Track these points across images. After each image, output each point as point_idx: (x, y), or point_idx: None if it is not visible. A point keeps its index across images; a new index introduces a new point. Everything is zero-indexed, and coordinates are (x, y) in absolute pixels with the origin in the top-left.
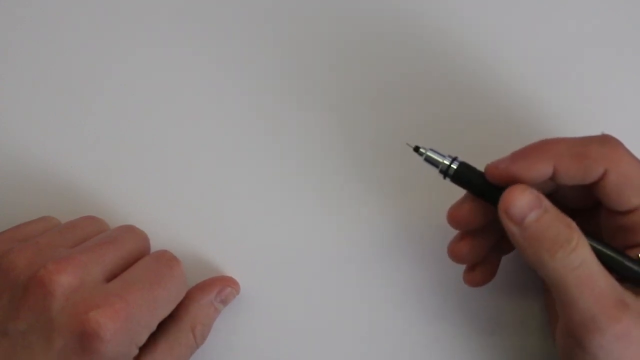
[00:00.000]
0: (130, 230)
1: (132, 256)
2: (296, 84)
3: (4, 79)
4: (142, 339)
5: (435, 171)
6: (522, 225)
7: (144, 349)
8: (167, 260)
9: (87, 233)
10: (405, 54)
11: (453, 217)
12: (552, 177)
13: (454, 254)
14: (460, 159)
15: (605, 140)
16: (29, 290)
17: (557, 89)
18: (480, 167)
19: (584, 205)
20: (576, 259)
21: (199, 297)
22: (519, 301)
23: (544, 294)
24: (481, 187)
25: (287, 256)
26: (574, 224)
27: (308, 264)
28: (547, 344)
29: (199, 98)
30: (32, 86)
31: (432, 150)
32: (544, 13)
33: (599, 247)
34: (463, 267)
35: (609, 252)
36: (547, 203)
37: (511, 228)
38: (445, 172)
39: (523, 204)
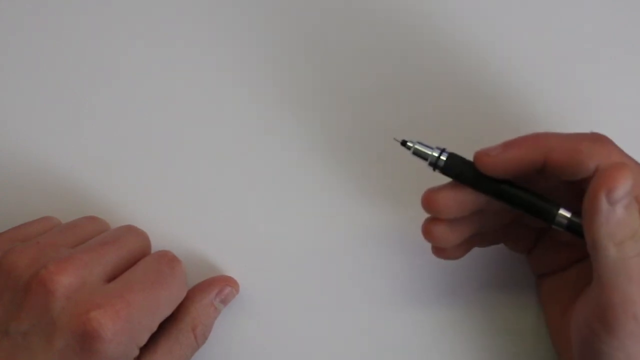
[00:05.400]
0: (131, 230)
1: (133, 256)
2: (296, 83)
3: (4, 79)
4: (143, 339)
5: (427, 166)
6: (614, 207)
7: (144, 349)
8: (168, 260)
9: (88, 233)
10: (400, 52)
11: (429, 202)
12: (541, 171)
13: (428, 234)
14: (449, 150)
15: (596, 138)
16: (30, 291)
17: (553, 88)
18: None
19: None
20: (635, 249)
21: (199, 297)
22: (513, 298)
23: (538, 293)
24: (472, 177)
25: (286, 256)
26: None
27: (308, 263)
28: (538, 343)
29: (200, 98)
30: (32, 86)
31: (419, 143)
32: (545, 12)
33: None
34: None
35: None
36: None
37: (602, 206)
38: (434, 164)
39: (627, 188)
